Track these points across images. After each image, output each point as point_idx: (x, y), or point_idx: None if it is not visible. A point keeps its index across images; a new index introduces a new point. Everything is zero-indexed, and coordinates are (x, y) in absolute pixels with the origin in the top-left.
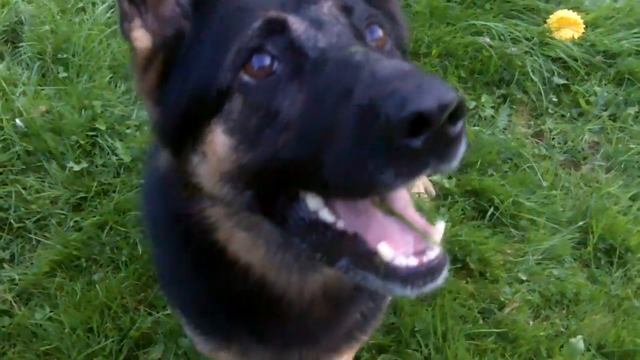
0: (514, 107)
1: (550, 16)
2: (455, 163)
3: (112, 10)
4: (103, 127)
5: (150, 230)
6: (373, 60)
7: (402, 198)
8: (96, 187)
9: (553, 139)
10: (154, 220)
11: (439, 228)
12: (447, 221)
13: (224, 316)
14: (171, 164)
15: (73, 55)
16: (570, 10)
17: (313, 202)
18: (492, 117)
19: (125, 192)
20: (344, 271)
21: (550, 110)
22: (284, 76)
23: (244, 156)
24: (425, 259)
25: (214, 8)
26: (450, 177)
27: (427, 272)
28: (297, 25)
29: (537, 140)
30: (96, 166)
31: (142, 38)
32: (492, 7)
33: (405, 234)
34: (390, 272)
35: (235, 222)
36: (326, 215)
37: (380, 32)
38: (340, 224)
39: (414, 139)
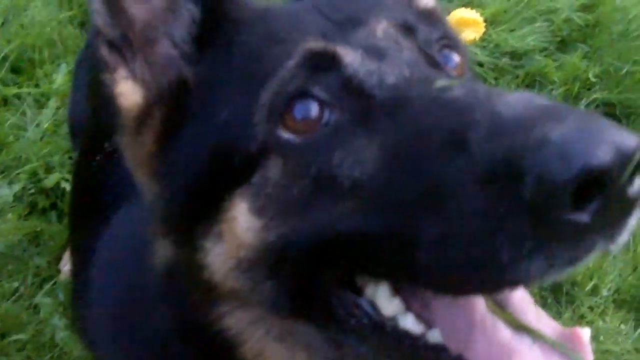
0: None
1: (448, 17)
2: (626, 237)
3: None
4: None
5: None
6: (485, 95)
7: (523, 299)
8: None
9: None
10: (155, 339)
11: (585, 338)
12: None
13: None
14: (175, 257)
15: None
16: (467, 9)
17: (389, 306)
18: None
19: None
20: None
21: None
22: (341, 128)
23: (276, 234)
24: None
25: (229, 42)
26: None
27: None
28: (350, 57)
29: None
30: None
31: (129, 92)
32: None
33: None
34: None
35: (265, 330)
36: (411, 324)
37: (457, 58)
38: (434, 336)
39: (581, 211)
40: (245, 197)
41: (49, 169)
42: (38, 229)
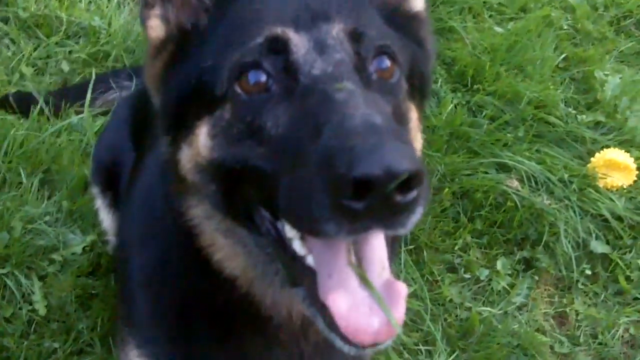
0: (536, 277)
1: (597, 155)
2: (404, 230)
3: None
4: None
5: (136, 225)
6: (351, 103)
7: (377, 259)
8: None
9: (579, 326)
10: (148, 212)
11: (402, 292)
12: None
13: (202, 335)
14: (168, 153)
15: (5, 155)
16: (621, 151)
17: (290, 231)
18: (507, 289)
19: None
20: (300, 299)
21: (580, 285)
22: (275, 96)
23: (217, 154)
24: (375, 337)
25: (229, 8)
26: None
27: (373, 344)
28: (299, 47)
29: (558, 332)
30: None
31: (157, 28)
32: (528, 132)
33: (368, 306)
34: (333, 328)
35: (216, 225)
36: (298, 247)
37: (387, 63)
38: (309, 261)
39: (356, 201)
40: (207, 123)
41: None
42: (93, 292)
